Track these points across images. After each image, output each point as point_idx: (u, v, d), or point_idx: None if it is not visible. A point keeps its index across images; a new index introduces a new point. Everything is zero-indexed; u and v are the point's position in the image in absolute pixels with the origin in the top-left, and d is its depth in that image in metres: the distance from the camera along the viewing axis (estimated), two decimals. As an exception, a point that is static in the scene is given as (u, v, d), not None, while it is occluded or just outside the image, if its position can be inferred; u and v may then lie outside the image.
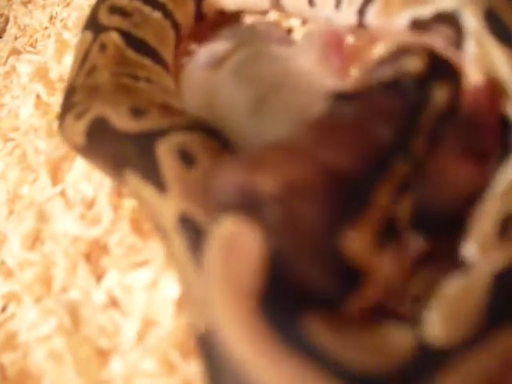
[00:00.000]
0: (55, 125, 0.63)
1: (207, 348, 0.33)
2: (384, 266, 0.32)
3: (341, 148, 0.33)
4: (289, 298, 0.29)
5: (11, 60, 0.79)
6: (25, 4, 0.91)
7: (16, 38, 0.84)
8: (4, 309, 0.49)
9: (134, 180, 0.42)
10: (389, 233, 0.33)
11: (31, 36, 0.82)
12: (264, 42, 0.49)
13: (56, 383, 0.42)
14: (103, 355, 0.42)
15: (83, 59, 0.54)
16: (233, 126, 0.43)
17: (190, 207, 0.37)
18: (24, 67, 0.75)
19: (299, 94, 0.43)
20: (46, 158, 0.58)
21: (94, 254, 0.47)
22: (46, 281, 0.48)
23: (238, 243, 0.30)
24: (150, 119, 0.43)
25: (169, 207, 0.38)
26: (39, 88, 0.69)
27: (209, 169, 0.39)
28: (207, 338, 0.33)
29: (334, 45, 0.47)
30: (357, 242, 0.30)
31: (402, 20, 0.48)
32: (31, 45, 0.81)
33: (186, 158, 0.39)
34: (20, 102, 0.70)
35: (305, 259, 0.30)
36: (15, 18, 0.89)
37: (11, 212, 0.57)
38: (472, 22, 0.43)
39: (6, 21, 0.90)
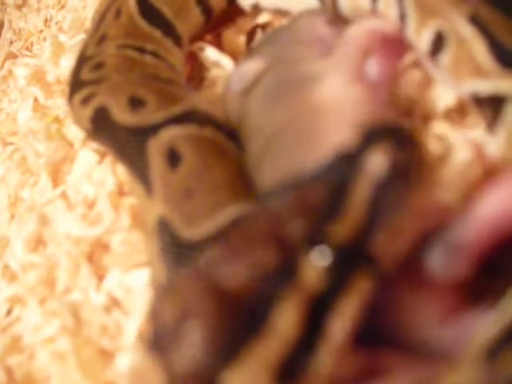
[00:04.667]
0: (53, 127, 0.64)
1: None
2: None
3: (236, 260, 0.28)
4: None
5: (7, 64, 0.79)
6: (19, 8, 0.91)
7: (11, 42, 0.84)
8: (9, 312, 0.49)
9: (130, 176, 0.44)
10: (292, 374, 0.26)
11: (27, 40, 0.82)
12: (295, 58, 0.44)
13: (62, 384, 0.42)
14: (107, 355, 0.42)
15: (100, 21, 0.55)
16: (250, 162, 0.42)
17: (169, 213, 0.39)
18: (21, 71, 0.75)
19: (294, 149, 0.38)
20: (46, 160, 0.58)
21: (96, 254, 0.48)
22: (50, 282, 0.48)
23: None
24: (146, 111, 0.44)
25: (152, 209, 0.40)
26: (36, 91, 0.69)
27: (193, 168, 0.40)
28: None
29: (377, 47, 0.40)
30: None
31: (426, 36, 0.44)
32: (27, 48, 0.81)
33: (173, 157, 0.41)
34: (18, 106, 0.70)
35: None
36: (10, 21, 0.89)
37: (13, 216, 0.57)
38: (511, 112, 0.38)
39: (1, 25, 0.90)
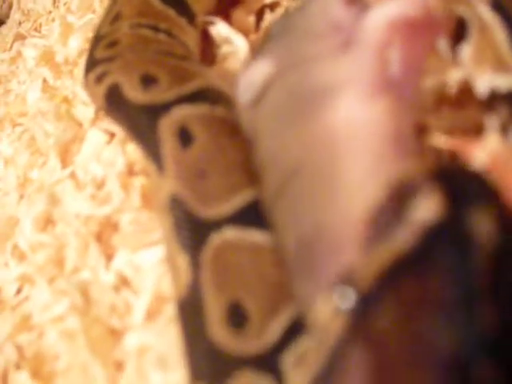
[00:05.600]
0: (63, 108, 0.64)
1: (185, 312, 0.36)
2: None
3: None
4: None
5: (16, 45, 0.78)
6: (28, -12, 0.91)
7: (20, 23, 0.83)
8: (18, 291, 0.49)
9: (142, 154, 0.44)
10: None
11: (35, 20, 0.82)
12: (308, 56, 0.38)
13: (71, 363, 0.42)
14: (115, 334, 0.42)
15: (114, 0, 0.55)
16: (265, 197, 0.38)
17: (181, 190, 0.39)
18: (29, 52, 0.75)
19: (313, 193, 0.33)
20: (55, 141, 0.58)
21: (105, 234, 0.47)
22: (59, 262, 0.48)
23: None
24: (158, 89, 0.44)
25: (164, 186, 0.40)
26: (45, 72, 0.69)
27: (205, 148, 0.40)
28: (184, 303, 0.36)
29: (398, 38, 0.34)
30: None
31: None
32: (35, 29, 0.80)
33: (185, 136, 0.41)
34: (27, 87, 0.70)
35: None
36: (18, 2, 0.88)
37: (22, 196, 0.57)
38: None
39: (10, 6, 0.89)
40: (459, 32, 0.41)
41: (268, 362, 0.32)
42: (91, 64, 0.51)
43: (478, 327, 0.22)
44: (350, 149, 0.32)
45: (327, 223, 0.31)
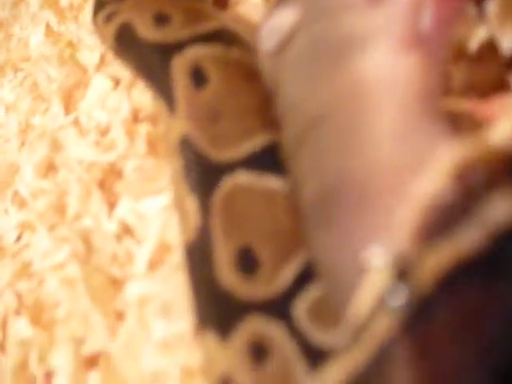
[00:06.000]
0: (67, 52, 0.62)
1: (193, 256, 0.35)
2: None
3: None
4: None
5: (19, -12, 0.76)
6: None
7: (23, -34, 0.81)
8: (19, 238, 0.48)
9: (153, 94, 0.43)
10: None
11: (39, -37, 0.79)
12: (336, 5, 0.35)
13: (71, 311, 0.41)
14: (116, 284, 0.41)
15: None
16: (285, 147, 0.36)
17: (192, 131, 0.38)
18: (33, -5, 0.72)
19: (338, 143, 0.31)
20: (58, 86, 0.56)
21: (108, 181, 0.46)
22: (60, 209, 0.47)
23: None
24: (171, 28, 0.42)
25: (175, 126, 0.39)
26: (49, 16, 0.66)
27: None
28: (192, 247, 0.35)
29: None
30: None
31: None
32: (39, -28, 0.78)
33: (199, 76, 0.39)
34: (29, 32, 0.67)
35: None
36: None
37: (23, 143, 0.56)
38: None
39: None
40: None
41: (279, 307, 0.31)
42: (100, 4, 0.49)
43: None
44: (377, 98, 0.31)
45: (353, 170, 0.30)
